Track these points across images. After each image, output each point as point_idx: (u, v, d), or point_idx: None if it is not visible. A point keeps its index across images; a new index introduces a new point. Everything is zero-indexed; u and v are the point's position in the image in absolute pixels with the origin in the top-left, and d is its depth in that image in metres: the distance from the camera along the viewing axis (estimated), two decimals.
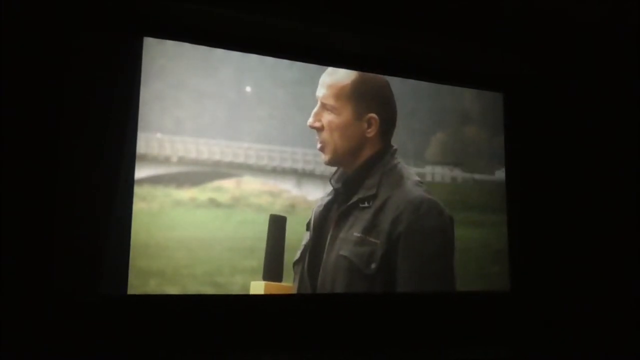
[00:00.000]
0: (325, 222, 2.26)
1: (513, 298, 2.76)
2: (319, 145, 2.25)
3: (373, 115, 2.25)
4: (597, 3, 2.53)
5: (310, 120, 2.25)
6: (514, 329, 2.64)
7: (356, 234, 2.21)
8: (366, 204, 2.22)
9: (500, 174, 2.87)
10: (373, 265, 2.19)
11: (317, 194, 2.37)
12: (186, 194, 2.26)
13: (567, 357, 2.52)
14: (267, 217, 2.25)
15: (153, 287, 2.14)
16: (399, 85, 2.40)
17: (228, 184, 2.34)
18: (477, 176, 2.82)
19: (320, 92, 2.27)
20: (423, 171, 2.65)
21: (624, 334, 2.54)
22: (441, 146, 2.75)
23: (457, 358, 2.41)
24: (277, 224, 2.23)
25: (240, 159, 2.36)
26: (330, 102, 2.25)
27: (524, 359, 2.52)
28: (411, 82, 2.69)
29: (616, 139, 2.76)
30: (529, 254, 2.82)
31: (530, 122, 2.94)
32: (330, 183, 2.28)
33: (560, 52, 2.85)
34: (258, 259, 2.23)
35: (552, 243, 2.82)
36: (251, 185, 2.37)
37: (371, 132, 2.25)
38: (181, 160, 2.27)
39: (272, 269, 2.20)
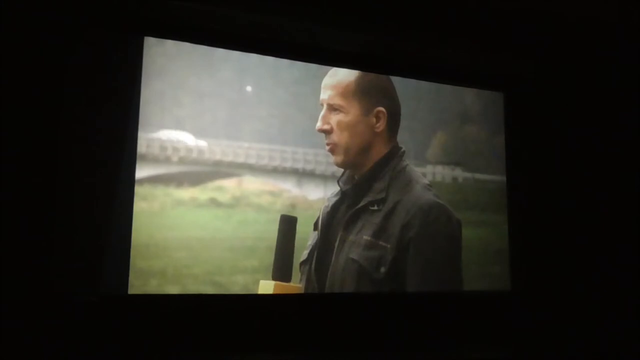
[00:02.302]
0: (332, 223, 2.25)
1: (514, 298, 2.76)
2: (328, 147, 2.24)
3: (381, 108, 2.25)
4: (597, 3, 2.54)
5: (319, 124, 2.24)
6: (514, 329, 2.64)
7: (366, 237, 2.20)
8: (376, 207, 2.22)
9: (501, 174, 2.87)
10: (382, 270, 2.19)
11: (317, 194, 2.37)
12: (187, 193, 2.26)
13: (568, 357, 2.52)
14: (268, 217, 2.25)
15: (154, 286, 2.14)
16: (400, 85, 2.40)
17: (229, 183, 2.34)
18: (477, 176, 2.83)
19: (325, 94, 2.26)
20: (424, 171, 2.65)
21: (624, 334, 2.54)
22: (442, 146, 2.75)
23: (458, 358, 2.41)
24: (288, 225, 2.22)
25: (241, 159, 2.36)
26: (337, 101, 2.24)
27: (524, 359, 2.52)
28: (412, 82, 2.69)
29: (616, 138, 2.76)
30: (530, 254, 2.82)
31: (531, 122, 2.94)
32: (339, 184, 2.27)
33: (560, 52, 2.85)
34: (259, 259, 2.23)
35: (553, 242, 2.82)
36: (252, 184, 2.37)
37: (380, 126, 2.25)
38: (182, 160, 2.27)
39: (282, 269, 2.19)
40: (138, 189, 2.17)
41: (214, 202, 2.30)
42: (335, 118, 2.23)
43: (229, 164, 2.34)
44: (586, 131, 2.84)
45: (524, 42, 2.78)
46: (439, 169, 2.72)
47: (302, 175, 2.43)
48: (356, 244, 2.20)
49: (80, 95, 2.12)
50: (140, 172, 2.18)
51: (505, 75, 2.93)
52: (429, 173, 2.68)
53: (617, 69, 2.79)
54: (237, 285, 2.24)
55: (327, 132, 2.24)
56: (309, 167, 2.43)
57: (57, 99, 2.06)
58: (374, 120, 2.25)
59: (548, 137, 2.92)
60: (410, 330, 2.46)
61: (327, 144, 2.24)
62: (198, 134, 2.30)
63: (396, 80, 2.43)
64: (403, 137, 2.39)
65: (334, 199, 2.28)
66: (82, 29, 2.14)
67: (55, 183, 2.03)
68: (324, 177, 2.38)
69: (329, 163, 2.30)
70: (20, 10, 2.01)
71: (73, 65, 2.11)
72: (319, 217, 2.28)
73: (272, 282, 2.18)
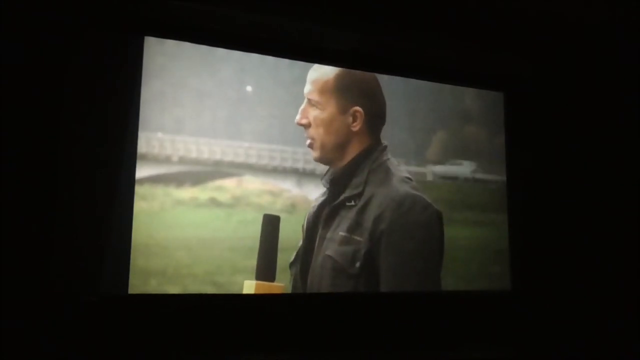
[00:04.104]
0: (317, 223, 2.25)
1: (514, 297, 2.76)
2: (307, 142, 2.25)
3: (358, 108, 2.24)
4: (597, 3, 2.54)
5: (298, 117, 2.25)
6: (515, 329, 2.64)
7: (341, 233, 2.20)
8: (352, 203, 2.21)
9: (501, 174, 2.87)
10: (357, 264, 2.18)
11: (317, 194, 2.36)
12: (187, 193, 2.26)
13: (568, 356, 2.52)
14: None
15: (154, 286, 2.13)
16: (400, 85, 2.40)
17: (229, 183, 2.34)
18: (478, 176, 2.82)
19: (307, 88, 2.27)
20: (424, 170, 2.65)
21: (624, 334, 2.54)
22: (442, 145, 2.75)
23: (458, 358, 2.41)
24: (271, 224, 2.22)
25: (241, 159, 2.36)
26: (315, 97, 2.24)
27: (525, 359, 2.52)
28: (412, 82, 2.69)
29: (616, 138, 2.76)
30: (530, 254, 2.81)
31: (531, 122, 2.94)
32: (322, 183, 2.28)
33: (560, 52, 2.85)
34: None
35: (553, 242, 2.82)
36: (252, 184, 2.37)
37: (357, 126, 2.24)
38: (182, 160, 2.27)
39: (265, 269, 2.19)
40: (138, 189, 2.16)
41: (214, 202, 2.30)
42: (312, 113, 2.23)
43: (229, 164, 2.34)
44: (586, 131, 2.84)
45: (524, 42, 2.78)
46: (439, 168, 2.72)
47: (302, 175, 2.43)
48: (332, 241, 2.19)
49: (80, 95, 2.11)
50: (140, 172, 2.18)
51: (505, 75, 2.94)
52: (429, 172, 2.68)
53: (617, 69, 2.79)
54: (237, 285, 2.23)
55: (305, 126, 2.24)
56: (309, 166, 2.43)
57: (57, 99, 2.06)
58: (350, 119, 2.24)
59: (548, 137, 2.92)
60: (410, 330, 2.46)
61: (307, 139, 2.25)
62: (198, 134, 2.30)
63: (396, 80, 2.43)
64: (403, 136, 2.39)
65: (321, 199, 2.29)
66: (82, 29, 2.13)
67: (55, 183, 2.03)
68: None
69: (314, 160, 2.29)
70: (20, 10, 2.01)
71: (73, 65, 2.11)
72: (304, 219, 2.29)
73: (253, 282, 2.19)
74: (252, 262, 2.24)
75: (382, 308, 2.42)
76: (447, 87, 2.82)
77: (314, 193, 2.37)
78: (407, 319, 2.47)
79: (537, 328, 2.70)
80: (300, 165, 2.43)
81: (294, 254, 2.26)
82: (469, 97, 2.89)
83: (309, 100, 2.25)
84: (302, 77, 2.34)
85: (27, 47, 2.02)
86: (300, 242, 2.27)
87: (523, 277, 2.79)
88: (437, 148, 2.73)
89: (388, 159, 2.25)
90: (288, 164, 2.42)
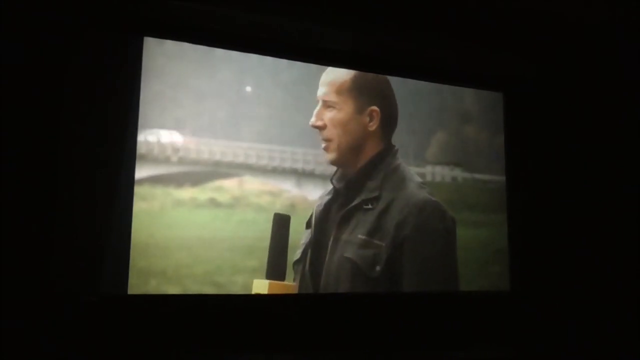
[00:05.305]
0: (326, 222, 2.26)
1: (513, 298, 2.76)
2: (323, 145, 2.26)
3: (374, 108, 2.26)
4: (597, 3, 2.53)
5: (313, 119, 2.26)
6: (514, 329, 2.64)
7: (360, 236, 2.21)
8: (369, 206, 2.23)
9: (501, 174, 2.87)
10: (378, 268, 2.20)
11: (317, 194, 2.37)
12: (186, 193, 2.26)
13: (568, 356, 2.52)
14: (268, 217, 2.23)
15: (153, 286, 2.14)
16: (399, 86, 2.40)
17: (228, 183, 2.34)
18: (477, 176, 2.83)
19: (321, 91, 2.28)
20: (423, 171, 2.65)
21: (624, 334, 2.54)
22: (441, 146, 2.75)
23: (458, 358, 2.41)
24: (282, 223, 2.22)
25: (241, 159, 2.36)
26: (332, 98, 2.26)
27: (525, 358, 2.52)
28: (412, 82, 2.69)
29: (616, 138, 2.76)
30: (530, 254, 2.82)
31: (531, 122, 2.94)
32: (332, 182, 2.28)
33: (560, 52, 2.85)
34: (258, 259, 2.22)
35: (552, 242, 2.82)
36: (251, 185, 2.37)
37: (373, 126, 2.25)
38: (181, 160, 2.27)
39: (276, 268, 2.19)
40: (138, 189, 2.16)
41: (213, 202, 2.30)
42: (328, 114, 2.25)
43: (228, 164, 2.34)
44: (586, 131, 2.84)
45: (524, 42, 2.78)
46: (439, 168, 2.72)
47: (302, 175, 2.43)
48: (350, 243, 2.21)
49: (80, 95, 2.12)
50: (140, 172, 2.18)
51: (505, 75, 2.94)
52: (428, 173, 2.68)
53: (617, 69, 2.79)
54: (237, 285, 2.24)
55: (320, 128, 2.25)
56: (308, 167, 2.43)
57: (57, 99, 2.06)
58: (367, 119, 2.25)
59: (548, 137, 2.92)
60: (410, 330, 2.46)
61: (322, 141, 2.25)
62: (198, 134, 2.30)
63: (396, 80, 2.43)
64: (403, 137, 2.39)
65: (327, 198, 2.29)
66: (82, 29, 2.14)
67: (55, 183, 2.03)
68: (323, 177, 2.38)
69: (328, 163, 2.30)
70: (20, 10, 2.01)
71: (73, 65, 2.11)
72: (312, 216, 2.28)
73: (267, 282, 2.18)
74: (252, 262, 2.24)
75: (381, 308, 2.43)
76: (447, 88, 2.82)
77: (314, 193, 2.37)
78: (406, 319, 2.47)
79: (537, 328, 2.70)
80: (299, 165, 2.44)
81: (299, 252, 2.26)
82: (468, 97, 2.89)
83: (325, 102, 2.26)
84: (302, 77, 2.35)
85: (27, 47, 2.02)
86: (305, 240, 2.27)
87: (522, 277, 2.80)
88: (437, 148, 2.73)
89: (400, 163, 2.28)
90: (287, 164, 2.43)
